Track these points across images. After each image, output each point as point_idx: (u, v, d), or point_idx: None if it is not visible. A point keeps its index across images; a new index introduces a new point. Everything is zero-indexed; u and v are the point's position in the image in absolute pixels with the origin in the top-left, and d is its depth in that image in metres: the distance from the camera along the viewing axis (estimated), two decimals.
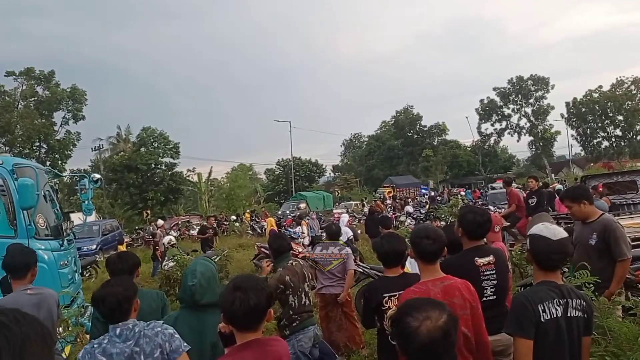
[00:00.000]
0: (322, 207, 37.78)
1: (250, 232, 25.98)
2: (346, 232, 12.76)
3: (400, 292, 3.06)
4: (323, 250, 6.64)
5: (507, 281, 3.68)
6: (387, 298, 3.39)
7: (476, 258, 3.50)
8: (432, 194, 40.86)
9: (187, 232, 27.88)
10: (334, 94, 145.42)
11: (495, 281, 3.52)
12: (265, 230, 22.53)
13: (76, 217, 20.47)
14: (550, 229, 2.69)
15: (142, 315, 3.46)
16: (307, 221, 17.12)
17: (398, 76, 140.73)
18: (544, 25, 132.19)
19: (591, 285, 3.86)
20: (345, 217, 15.56)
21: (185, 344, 2.62)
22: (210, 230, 17.12)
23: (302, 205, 31.49)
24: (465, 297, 2.88)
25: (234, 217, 31.16)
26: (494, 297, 3.42)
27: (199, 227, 18.35)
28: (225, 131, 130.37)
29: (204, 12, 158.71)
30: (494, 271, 3.54)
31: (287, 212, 31.45)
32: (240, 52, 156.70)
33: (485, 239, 4.71)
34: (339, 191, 54.53)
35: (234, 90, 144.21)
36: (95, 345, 2.56)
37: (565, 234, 2.69)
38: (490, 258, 3.56)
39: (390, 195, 42.58)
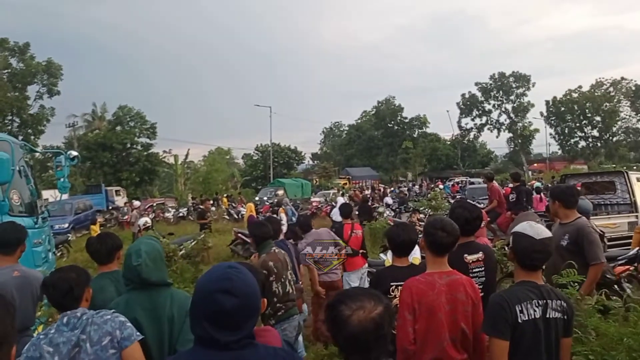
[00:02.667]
0: (300, 194, 37.73)
1: (226, 217, 25.77)
2: None
3: None
4: (323, 250, 6.61)
5: (495, 279, 3.66)
6: (394, 287, 3.35)
7: (465, 255, 3.47)
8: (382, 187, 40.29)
9: (162, 215, 27.58)
10: (315, 81, 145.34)
11: (484, 278, 3.50)
12: (242, 216, 22.36)
13: (47, 195, 20.07)
14: (535, 228, 2.67)
15: None
16: (284, 208, 17.02)
17: (381, 66, 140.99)
18: (526, 22, 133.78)
19: (576, 284, 3.86)
20: (340, 200, 16.46)
21: (137, 333, 2.54)
22: (209, 214, 16.97)
23: (280, 192, 31.39)
24: (469, 294, 2.87)
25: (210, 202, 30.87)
26: (482, 294, 3.39)
27: (198, 211, 18.13)
28: (204, 113, 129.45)
29: None
30: (483, 268, 3.51)
31: (265, 198, 31.29)
32: (223, 33, 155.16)
33: None
34: (318, 179, 54.48)
35: (214, 73, 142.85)
36: (41, 336, 2.47)
37: (548, 234, 2.66)
38: (480, 255, 3.54)
39: (346, 185, 42.94)
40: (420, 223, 11.32)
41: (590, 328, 3.66)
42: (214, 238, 16.53)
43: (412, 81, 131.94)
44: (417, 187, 41.15)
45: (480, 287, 3.40)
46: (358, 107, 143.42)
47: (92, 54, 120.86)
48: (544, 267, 2.74)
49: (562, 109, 61.28)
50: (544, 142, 64.39)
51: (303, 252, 5.62)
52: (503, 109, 63.69)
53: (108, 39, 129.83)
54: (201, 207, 18.30)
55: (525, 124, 62.69)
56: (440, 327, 2.76)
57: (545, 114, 62.54)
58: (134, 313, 2.70)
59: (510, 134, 63.74)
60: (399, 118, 69.63)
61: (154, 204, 30.79)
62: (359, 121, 74.88)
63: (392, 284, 3.40)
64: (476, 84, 64.02)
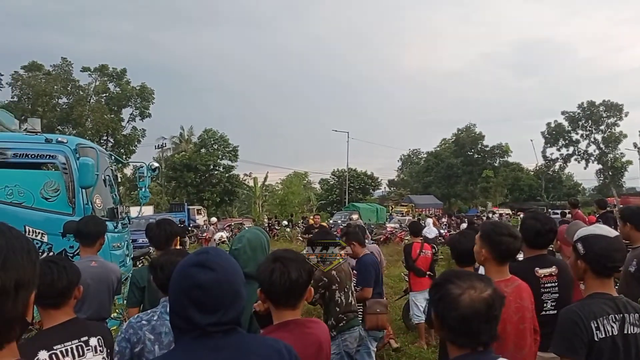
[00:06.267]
0: (374, 219, 37.42)
1: (300, 238, 26.02)
2: (434, 231, 16.11)
3: None
4: (323, 251, 6.52)
5: (570, 295, 3.40)
6: None
7: (536, 268, 3.24)
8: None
9: (238, 233, 28.23)
10: (394, 108, 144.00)
11: (557, 294, 3.25)
12: None
13: (134, 211, 21.20)
14: (603, 228, 2.43)
15: None
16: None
17: (462, 94, 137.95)
18: (620, 50, 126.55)
19: None
20: (430, 220, 17.85)
21: None
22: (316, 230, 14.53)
23: (355, 217, 31.24)
24: (530, 299, 2.71)
25: (285, 223, 31.34)
26: (554, 311, 3.14)
27: (304, 227, 17.18)
28: (283, 138, 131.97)
29: (269, 21, 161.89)
30: (556, 284, 3.26)
31: (339, 221, 31.30)
32: (303, 61, 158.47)
33: (559, 253, 4.39)
34: (393, 206, 53.88)
35: (295, 99, 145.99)
36: (144, 322, 2.42)
37: (617, 232, 2.43)
38: (553, 269, 3.29)
39: (409, 213, 42.34)
40: None
41: None
42: None
43: (494, 109, 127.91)
44: (496, 216, 39.72)
45: (553, 304, 3.19)
46: (437, 134, 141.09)
47: (182, 79, 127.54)
48: None
49: None
50: (638, 175, 60.61)
51: (303, 252, 5.53)
52: (592, 139, 60.67)
53: (197, 65, 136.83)
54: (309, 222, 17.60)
55: (617, 156, 59.33)
56: (508, 340, 2.57)
57: (639, 145, 58.90)
58: None
59: (600, 166, 60.53)
60: (479, 146, 67.76)
61: (232, 223, 31.67)
62: (438, 149, 73.66)
63: None
64: (563, 112, 61.55)
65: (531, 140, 65.38)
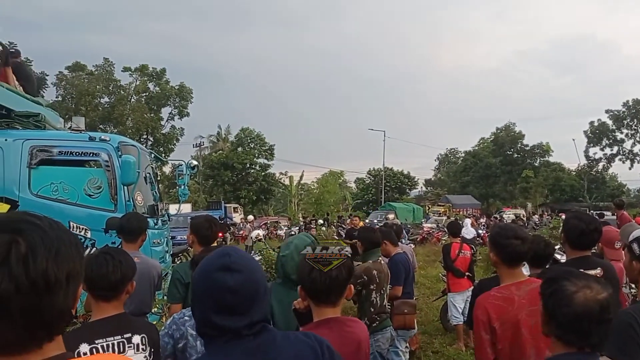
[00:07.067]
0: (411, 219, 37.11)
1: (336, 237, 25.99)
2: (472, 232, 15.77)
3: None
4: (323, 251, 6.43)
5: (617, 298, 3.28)
6: None
7: (581, 270, 3.14)
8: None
9: (274, 232, 28.53)
10: (432, 107, 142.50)
11: None
12: None
13: (173, 209, 21.59)
14: None
15: None
16: None
17: (500, 92, 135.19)
18: None
19: None
20: (468, 221, 17.60)
21: None
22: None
23: (391, 216, 31.06)
24: None
25: (321, 222, 31.38)
26: None
27: (345, 231, 16.07)
28: (319, 137, 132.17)
29: (306, 21, 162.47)
30: None
31: (375, 221, 31.16)
32: (340, 61, 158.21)
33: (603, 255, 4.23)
34: (430, 206, 53.29)
35: (331, 98, 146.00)
36: (186, 318, 2.46)
37: None
38: (598, 271, 3.16)
39: (446, 213, 41.91)
40: None
41: None
42: None
43: (534, 108, 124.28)
44: (536, 217, 38.91)
45: None
46: (475, 133, 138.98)
47: (220, 78, 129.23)
48: None
49: None
50: None
51: (303, 252, 5.47)
52: (638, 139, 58.68)
53: (235, 65, 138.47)
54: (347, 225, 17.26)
55: None
56: (525, 345, 2.50)
57: None
58: (270, 303, 2.59)
59: None
60: (519, 145, 66.30)
61: (268, 222, 31.91)
62: (476, 148, 72.42)
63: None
64: (607, 111, 59.75)
65: (573, 140, 63.87)
